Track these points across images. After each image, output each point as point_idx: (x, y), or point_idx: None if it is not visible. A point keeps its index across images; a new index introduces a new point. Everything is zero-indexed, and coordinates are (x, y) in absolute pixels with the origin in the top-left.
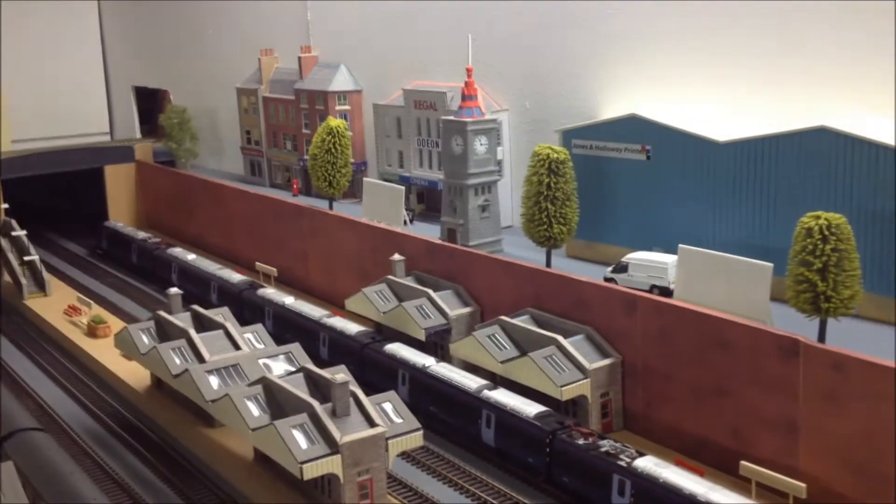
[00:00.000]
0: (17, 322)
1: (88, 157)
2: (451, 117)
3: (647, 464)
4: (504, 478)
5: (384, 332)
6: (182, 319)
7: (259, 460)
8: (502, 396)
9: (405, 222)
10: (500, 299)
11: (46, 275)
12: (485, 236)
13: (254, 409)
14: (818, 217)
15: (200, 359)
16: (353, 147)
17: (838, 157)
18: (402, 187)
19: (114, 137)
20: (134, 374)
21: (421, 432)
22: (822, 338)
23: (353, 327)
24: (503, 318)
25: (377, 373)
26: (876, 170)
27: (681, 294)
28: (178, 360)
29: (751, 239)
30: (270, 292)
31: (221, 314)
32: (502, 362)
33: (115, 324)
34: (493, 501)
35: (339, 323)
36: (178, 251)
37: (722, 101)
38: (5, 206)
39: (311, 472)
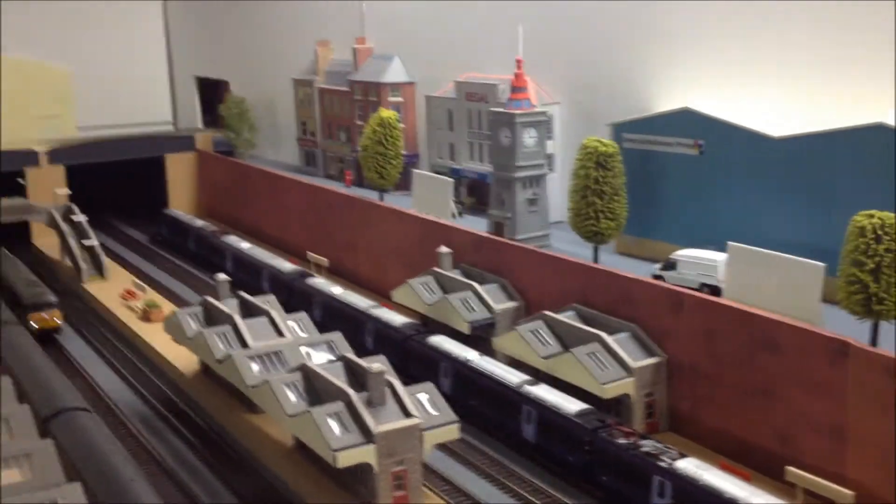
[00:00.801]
0: (74, 305)
1: (150, 146)
2: (500, 109)
3: (689, 465)
4: (543, 475)
5: (430, 325)
6: (229, 305)
7: (298, 447)
8: (544, 392)
9: (454, 215)
10: (546, 294)
11: (105, 259)
12: (532, 230)
13: (292, 396)
14: (871, 216)
15: (244, 344)
16: (405, 139)
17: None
18: (451, 179)
19: (176, 127)
20: (183, 359)
21: (457, 425)
22: (873, 341)
23: (398, 319)
24: (547, 312)
25: (420, 365)
26: None
27: (730, 293)
28: (222, 346)
29: (803, 237)
30: (319, 282)
31: (267, 301)
32: (545, 358)
33: (170, 309)
34: (531, 499)
35: (385, 314)
36: (232, 239)
37: (777, 95)
38: (68, 191)
39: (345, 460)
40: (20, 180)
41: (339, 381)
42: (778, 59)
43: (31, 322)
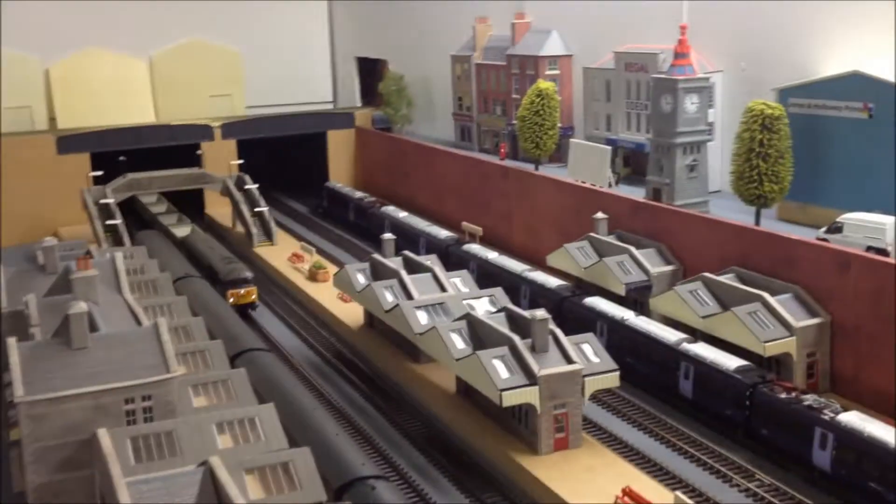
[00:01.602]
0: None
1: (313, 123)
2: (663, 75)
3: (852, 418)
4: (700, 429)
5: (584, 288)
6: (394, 262)
7: (460, 393)
8: (702, 350)
9: (610, 183)
10: (704, 258)
11: (274, 225)
12: (691, 196)
13: (458, 341)
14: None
15: (410, 297)
16: (560, 111)
17: None
18: (609, 147)
19: (337, 105)
20: (349, 314)
21: (618, 373)
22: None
23: (553, 281)
24: (706, 274)
25: (576, 325)
26: None
27: None
28: (389, 297)
29: None
30: (475, 247)
31: (430, 260)
32: (703, 317)
33: (334, 271)
34: (690, 450)
35: (540, 276)
36: (390, 209)
37: None
38: (240, 161)
39: (509, 399)
40: (198, 152)
41: (504, 328)
42: None
43: (230, 298)
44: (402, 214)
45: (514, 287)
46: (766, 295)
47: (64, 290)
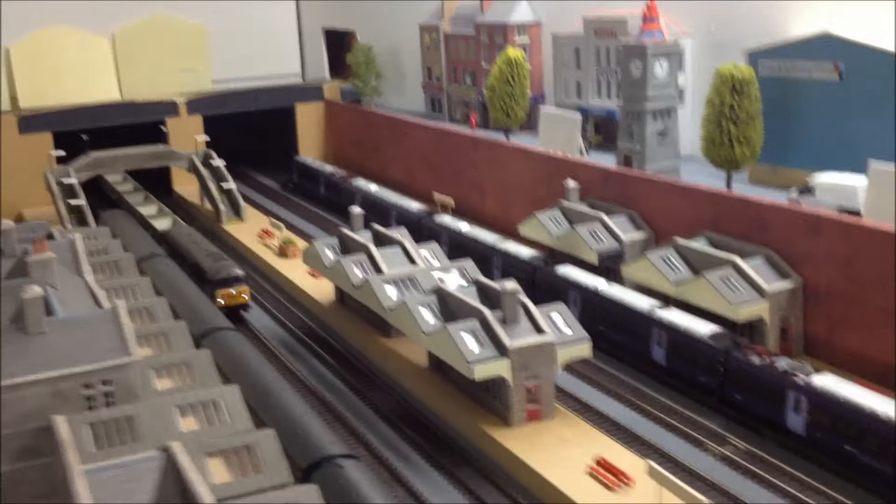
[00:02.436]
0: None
1: (281, 97)
2: (632, 41)
3: (825, 381)
4: (674, 397)
5: (556, 257)
6: (363, 236)
7: (432, 367)
8: (675, 316)
9: (581, 152)
10: (676, 224)
11: (242, 201)
12: (662, 162)
13: (428, 316)
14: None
15: (379, 271)
16: (531, 80)
17: None
18: (579, 115)
19: (305, 78)
20: (319, 290)
21: (589, 343)
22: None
23: (525, 251)
24: (678, 240)
25: (548, 295)
26: None
27: (870, 214)
28: (358, 273)
29: None
30: (447, 219)
31: (399, 233)
32: (676, 284)
33: (304, 247)
34: (664, 418)
35: (512, 247)
36: (361, 182)
37: None
38: (206, 138)
39: (481, 373)
40: (162, 128)
41: (474, 301)
42: None
43: (218, 299)
44: (373, 187)
45: (487, 258)
46: (737, 260)
47: (21, 274)
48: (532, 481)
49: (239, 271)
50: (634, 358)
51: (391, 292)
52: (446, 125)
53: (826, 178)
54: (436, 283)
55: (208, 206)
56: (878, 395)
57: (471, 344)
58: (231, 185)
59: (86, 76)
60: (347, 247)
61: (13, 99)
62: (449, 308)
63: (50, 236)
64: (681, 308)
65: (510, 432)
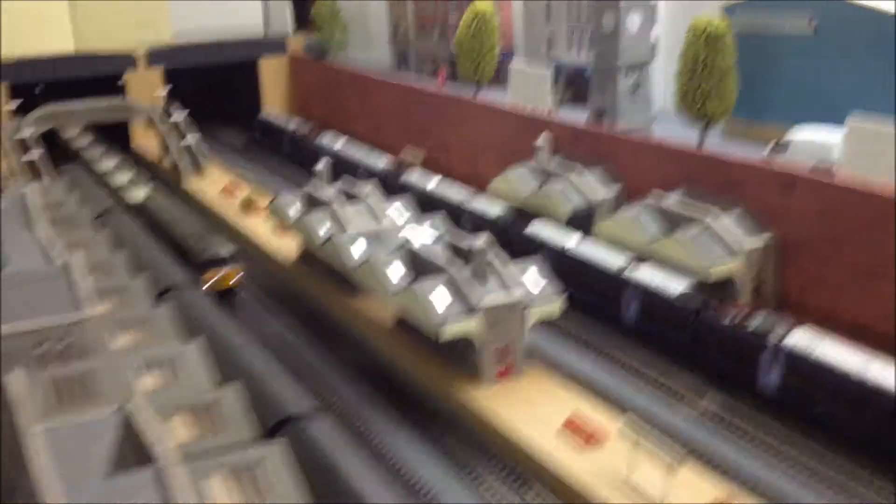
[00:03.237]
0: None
1: (244, 50)
2: None
3: (798, 340)
4: (646, 356)
5: (527, 215)
6: (330, 192)
7: (399, 326)
8: (646, 275)
9: (552, 108)
10: (648, 182)
11: (204, 157)
12: (634, 118)
13: (394, 274)
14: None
15: (345, 228)
16: (500, 34)
17: None
18: (548, 71)
19: (268, 31)
20: (284, 247)
21: (560, 301)
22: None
23: (495, 209)
24: (650, 198)
25: (519, 253)
26: None
27: (848, 169)
28: (323, 229)
29: None
30: (415, 175)
31: (367, 188)
32: (648, 242)
33: (268, 203)
34: (636, 377)
35: (481, 205)
36: (327, 138)
37: None
38: (166, 92)
39: (449, 332)
40: (119, 83)
41: (442, 259)
42: None
43: (204, 282)
44: (339, 144)
45: (455, 216)
46: (708, 218)
47: None
48: (502, 440)
49: (226, 251)
50: (607, 317)
51: (357, 249)
52: (412, 81)
53: (802, 135)
54: (403, 240)
55: (169, 162)
56: (852, 348)
57: (438, 303)
58: (191, 140)
59: (39, 27)
60: (313, 203)
61: None
62: (417, 266)
63: None
64: (654, 266)
65: (480, 391)
